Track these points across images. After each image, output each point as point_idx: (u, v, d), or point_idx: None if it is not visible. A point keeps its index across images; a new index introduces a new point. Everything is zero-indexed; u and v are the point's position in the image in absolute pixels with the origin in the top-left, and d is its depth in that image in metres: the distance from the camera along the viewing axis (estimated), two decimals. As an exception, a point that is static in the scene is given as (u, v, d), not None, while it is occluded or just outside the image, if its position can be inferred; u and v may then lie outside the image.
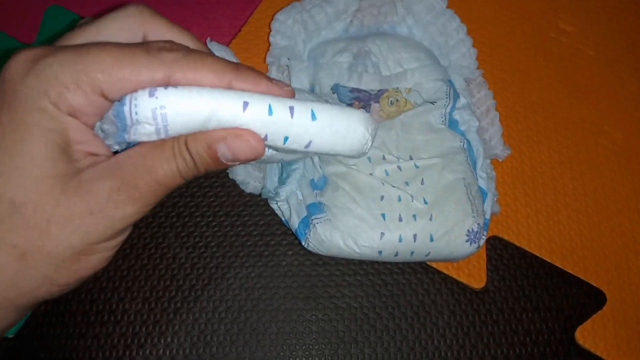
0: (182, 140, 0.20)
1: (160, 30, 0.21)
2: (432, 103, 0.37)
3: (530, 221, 0.40)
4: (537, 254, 0.39)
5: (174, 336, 0.34)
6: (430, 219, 0.32)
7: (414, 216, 0.32)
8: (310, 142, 0.22)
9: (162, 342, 0.34)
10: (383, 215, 0.32)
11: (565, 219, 0.40)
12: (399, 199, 0.33)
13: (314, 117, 0.21)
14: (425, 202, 0.33)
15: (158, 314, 0.35)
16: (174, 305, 0.35)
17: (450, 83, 0.38)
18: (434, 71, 0.38)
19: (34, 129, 0.18)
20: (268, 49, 0.40)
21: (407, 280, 0.37)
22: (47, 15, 0.42)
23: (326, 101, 0.34)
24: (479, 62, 0.41)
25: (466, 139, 0.36)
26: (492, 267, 0.38)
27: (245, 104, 0.20)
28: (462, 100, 0.38)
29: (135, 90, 0.19)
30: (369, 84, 0.37)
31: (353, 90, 0.37)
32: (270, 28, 0.40)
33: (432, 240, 0.32)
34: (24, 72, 0.18)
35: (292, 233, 0.37)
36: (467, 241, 0.33)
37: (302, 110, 0.21)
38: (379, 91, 0.37)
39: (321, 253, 0.33)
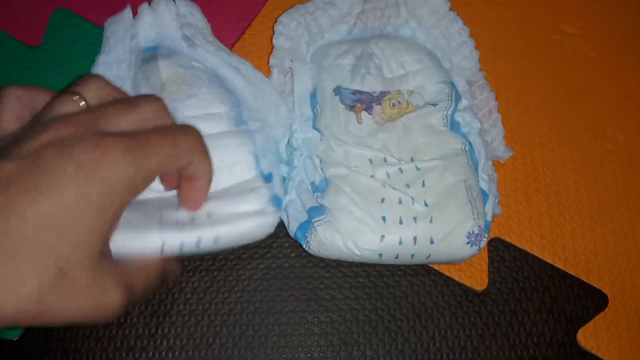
0: (158, 270, 0.28)
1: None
2: (433, 105, 0.37)
3: (533, 223, 0.40)
4: (539, 256, 0.39)
5: (176, 338, 0.35)
6: (431, 222, 0.33)
7: (415, 219, 0.33)
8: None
9: (165, 344, 0.34)
10: (383, 218, 0.32)
11: (567, 221, 0.40)
12: (400, 202, 0.33)
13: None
14: (426, 205, 0.33)
15: (161, 316, 0.35)
16: (177, 308, 0.35)
17: (452, 85, 0.38)
18: (436, 74, 0.38)
19: (104, 210, 0.22)
20: (271, 52, 0.40)
21: (409, 282, 0.37)
22: (54, 18, 0.43)
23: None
24: (481, 65, 0.41)
25: (468, 141, 0.36)
26: (494, 269, 0.38)
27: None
28: (464, 102, 0.38)
29: None
30: (371, 85, 0.37)
31: (355, 92, 0.37)
32: (273, 31, 0.40)
33: (432, 242, 0.32)
34: (118, 158, 0.23)
35: (295, 235, 0.37)
36: (467, 243, 0.33)
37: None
38: (381, 93, 0.38)
39: (322, 256, 0.33)
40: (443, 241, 0.33)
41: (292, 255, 0.37)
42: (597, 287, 0.38)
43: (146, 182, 0.24)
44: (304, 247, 0.33)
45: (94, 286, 0.22)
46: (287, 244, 0.37)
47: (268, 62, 0.40)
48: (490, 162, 0.38)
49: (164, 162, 0.25)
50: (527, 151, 0.42)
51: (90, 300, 0.22)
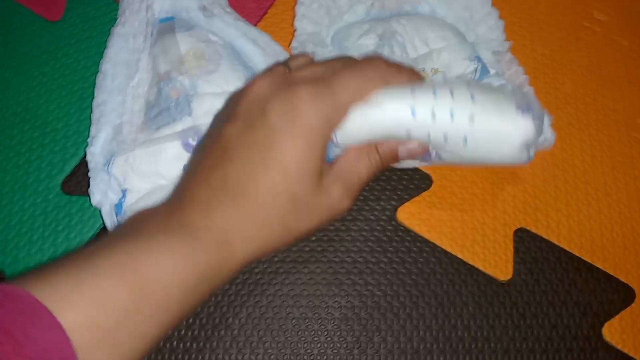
0: (373, 148, 0.29)
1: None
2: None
3: (560, 214, 0.39)
4: (566, 248, 0.38)
5: (195, 317, 0.34)
6: (469, 84, 0.29)
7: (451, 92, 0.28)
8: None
9: (184, 323, 0.34)
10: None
11: (595, 213, 0.39)
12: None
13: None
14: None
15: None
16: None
17: (478, 59, 0.37)
18: (461, 50, 0.37)
19: (313, 147, 0.26)
20: (293, 33, 0.39)
21: (432, 270, 0.36)
22: (74, -7, 0.42)
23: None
24: (510, 51, 0.40)
25: None
26: (519, 260, 0.37)
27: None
28: (491, 72, 0.37)
29: None
30: None
31: None
32: (294, 12, 0.39)
33: (472, 98, 0.28)
34: (307, 106, 0.26)
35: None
36: (517, 109, 0.28)
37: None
38: None
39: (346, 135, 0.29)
40: (488, 104, 0.28)
41: (313, 238, 0.36)
42: (624, 281, 0.37)
43: (342, 114, 0.27)
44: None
45: (321, 200, 0.27)
46: (308, 227, 0.37)
47: (289, 45, 0.39)
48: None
49: (354, 93, 0.27)
50: (556, 141, 0.40)
51: (323, 209, 0.27)
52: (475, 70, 0.36)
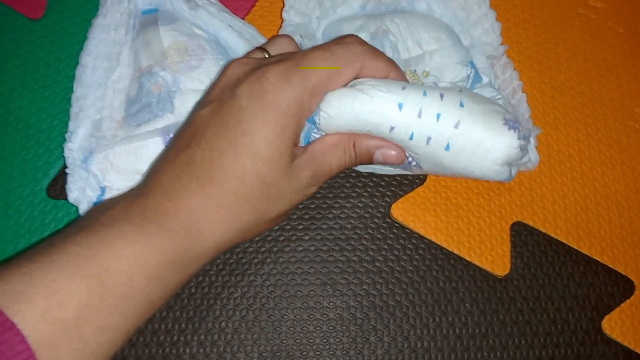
0: (351, 143, 0.28)
1: (372, 65, 0.29)
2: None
3: (557, 207, 0.38)
4: (564, 241, 0.37)
5: (187, 322, 0.33)
6: (461, 104, 0.28)
7: (441, 95, 0.28)
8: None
9: (177, 328, 0.33)
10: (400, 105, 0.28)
11: (593, 205, 0.38)
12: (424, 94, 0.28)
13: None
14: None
15: (171, 300, 0.34)
16: (189, 291, 0.34)
17: (472, 65, 0.36)
18: (454, 53, 0.36)
19: (284, 129, 0.26)
20: (281, 25, 0.38)
21: (428, 267, 0.35)
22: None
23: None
24: (504, 39, 0.39)
25: None
26: (516, 254, 0.36)
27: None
28: (484, 80, 0.36)
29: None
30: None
31: None
32: (283, 3, 0.38)
33: (462, 105, 0.27)
34: (275, 87, 0.25)
35: (309, 217, 0.36)
36: (505, 125, 0.27)
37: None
38: None
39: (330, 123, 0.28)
40: (473, 107, 0.27)
41: (306, 238, 0.36)
42: (623, 273, 0.37)
43: (314, 98, 0.27)
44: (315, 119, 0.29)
45: (290, 183, 0.27)
46: (301, 227, 0.36)
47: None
48: (530, 124, 0.35)
49: (325, 77, 0.27)
50: (551, 131, 0.40)
51: (292, 192, 0.27)
52: (468, 76, 0.35)
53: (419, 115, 0.27)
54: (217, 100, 0.26)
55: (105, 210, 0.24)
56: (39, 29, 0.40)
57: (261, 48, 0.30)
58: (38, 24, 0.40)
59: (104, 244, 0.22)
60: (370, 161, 0.29)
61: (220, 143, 0.25)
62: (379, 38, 0.36)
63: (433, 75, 0.35)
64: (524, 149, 0.28)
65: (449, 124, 0.27)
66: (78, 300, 0.21)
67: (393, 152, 0.28)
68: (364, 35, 0.36)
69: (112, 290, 0.22)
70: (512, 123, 0.28)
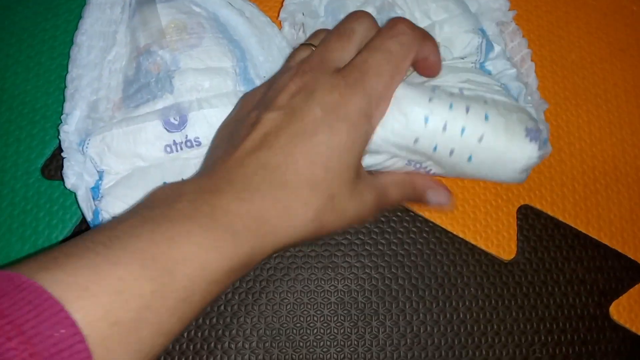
0: (411, 185, 0.30)
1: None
2: (461, 59, 0.34)
3: (566, 190, 0.37)
4: (572, 225, 0.36)
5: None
6: (486, 102, 0.28)
7: (467, 108, 0.28)
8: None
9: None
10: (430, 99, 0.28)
11: (603, 188, 0.37)
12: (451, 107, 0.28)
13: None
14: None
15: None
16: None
17: (482, 32, 0.35)
18: (463, 21, 0.35)
19: (354, 142, 0.26)
20: (282, 2, 0.37)
21: (432, 251, 0.35)
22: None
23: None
24: (515, 22, 0.38)
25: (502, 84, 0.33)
26: (522, 238, 0.35)
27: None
28: (496, 49, 0.35)
29: None
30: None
31: None
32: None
33: (486, 119, 0.28)
34: (352, 94, 0.26)
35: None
36: (526, 136, 0.28)
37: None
38: None
39: None
40: (497, 120, 0.28)
41: (308, 220, 0.35)
42: (632, 258, 0.36)
43: (380, 106, 0.27)
44: None
45: (354, 202, 0.27)
46: (302, 208, 0.35)
47: (277, 16, 0.37)
48: (537, 96, 0.34)
49: (389, 80, 0.27)
50: (561, 111, 0.39)
51: (353, 212, 0.27)
52: (480, 45, 0.34)
53: (444, 129, 0.27)
54: (289, 107, 0.26)
55: (172, 203, 0.23)
56: (33, 5, 0.39)
57: (308, 44, 0.30)
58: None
59: (171, 244, 0.22)
60: (423, 201, 0.31)
61: (295, 151, 0.25)
62: (385, 11, 0.35)
63: (444, 46, 0.34)
64: (543, 155, 0.29)
65: (473, 138, 0.27)
66: (141, 302, 0.20)
67: (444, 198, 0.30)
68: (370, 10, 0.35)
69: (174, 293, 0.21)
70: (533, 133, 0.28)
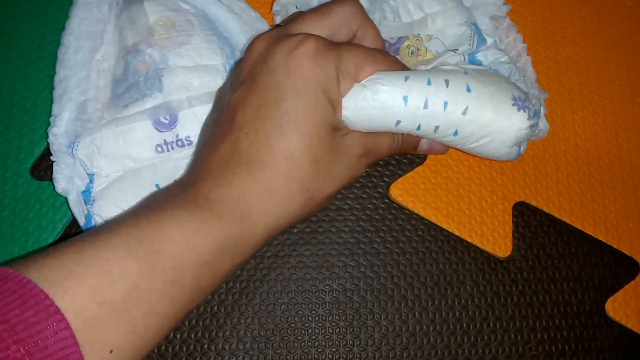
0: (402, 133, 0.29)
1: (367, 31, 0.28)
2: (454, 51, 0.33)
3: (561, 186, 0.37)
4: (568, 221, 0.36)
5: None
6: (466, 73, 0.28)
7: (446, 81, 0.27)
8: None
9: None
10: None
11: (598, 184, 0.37)
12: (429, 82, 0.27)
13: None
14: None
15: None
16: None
17: (474, 26, 0.35)
18: (457, 14, 0.34)
19: (325, 103, 0.25)
20: (273, -2, 0.36)
21: (427, 249, 0.34)
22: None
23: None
24: (509, 16, 0.37)
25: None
26: (518, 235, 0.35)
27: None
28: (488, 42, 0.34)
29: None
30: (388, 32, 0.34)
31: None
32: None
33: (469, 90, 0.27)
34: (313, 60, 0.24)
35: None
36: (514, 105, 0.27)
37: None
38: (399, 39, 0.34)
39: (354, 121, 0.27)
40: (483, 98, 0.27)
41: (302, 219, 0.34)
42: (628, 254, 0.36)
43: (349, 65, 0.26)
44: None
45: (341, 162, 0.26)
46: (296, 207, 0.35)
47: (270, 9, 0.37)
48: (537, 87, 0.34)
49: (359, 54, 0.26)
50: (556, 108, 0.39)
51: (342, 172, 0.26)
52: (471, 38, 0.34)
53: (425, 107, 0.26)
54: (250, 79, 0.25)
55: (156, 198, 0.24)
56: (22, 3, 0.38)
57: (279, 25, 0.29)
58: None
59: (155, 227, 0.22)
60: (415, 149, 0.30)
61: (264, 124, 0.24)
62: (378, 3, 0.35)
63: (436, 38, 0.34)
64: (534, 127, 0.27)
65: (457, 111, 0.26)
66: (129, 282, 0.21)
67: (437, 144, 0.29)
68: (362, 2, 0.35)
69: (162, 274, 0.21)
70: (521, 102, 0.27)
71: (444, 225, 0.35)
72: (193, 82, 0.32)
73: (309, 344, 0.32)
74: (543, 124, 0.33)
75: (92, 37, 0.34)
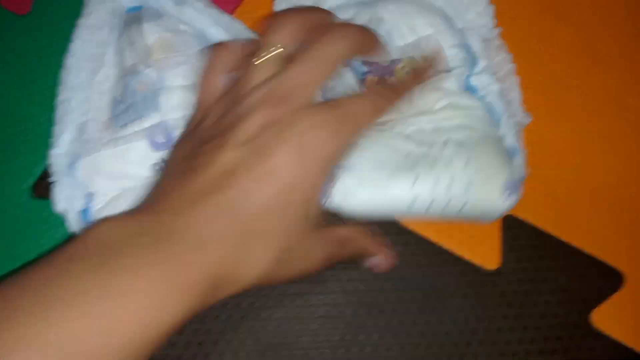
0: (364, 245, 0.32)
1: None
2: (447, 72, 0.35)
3: (549, 200, 0.38)
4: (555, 234, 0.37)
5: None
6: (464, 167, 0.31)
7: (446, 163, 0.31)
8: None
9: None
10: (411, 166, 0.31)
11: (585, 197, 0.38)
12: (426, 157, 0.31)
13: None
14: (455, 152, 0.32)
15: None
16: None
17: (467, 47, 0.36)
18: (449, 37, 0.35)
19: (318, 192, 0.26)
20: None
21: (417, 262, 0.35)
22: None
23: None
24: (498, 31, 0.38)
25: (486, 103, 0.34)
26: (506, 248, 0.36)
27: None
28: (481, 64, 0.36)
29: None
30: (382, 55, 0.35)
31: (365, 62, 0.35)
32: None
33: (467, 190, 0.31)
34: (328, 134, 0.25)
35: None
36: (505, 191, 0.31)
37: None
38: (392, 62, 0.35)
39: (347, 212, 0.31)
40: (480, 194, 0.31)
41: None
42: (613, 265, 0.36)
43: (347, 149, 0.27)
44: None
45: (306, 257, 0.26)
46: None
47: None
48: (517, 119, 0.36)
49: (367, 119, 0.27)
50: (544, 123, 0.39)
51: (302, 266, 0.26)
52: (464, 60, 0.35)
53: (427, 211, 0.31)
54: (254, 144, 0.24)
55: (118, 248, 0.21)
56: (26, 24, 0.39)
57: (268, 45, 0.27)
58: (25, 19, 0.39)
59: (110, 302, 0.20)
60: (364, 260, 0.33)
61: (258, 196, 0.23)
62: (373, 26, 0.36)
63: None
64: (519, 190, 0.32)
65: (456, 208, 0.31)
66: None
67: (383, 263, 0.33)
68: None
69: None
70: (511, 187, 0.31)
71: (435, 239, 0.36)
72: (190, 101, 0.33)
73: (302, 358, 0.33)
74: (518, 161, 0.34)
75: (94, 59, 0.35)
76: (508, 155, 0.33)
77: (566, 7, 0.43)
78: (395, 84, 0.30)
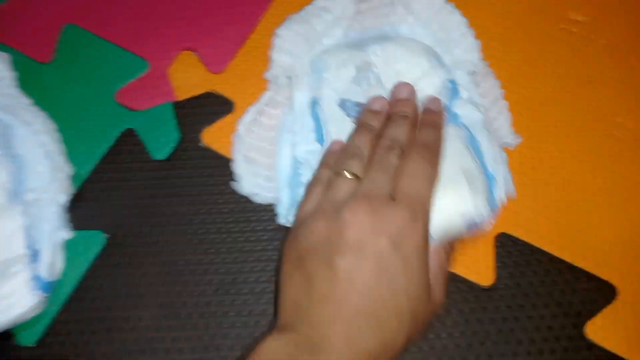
0: (446, 247, 0.33)
1: None
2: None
3: (540, 216, 0.39)
4: (547, 250, 0.38)
5: (185, 342, 0.36)
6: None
7: None
8: None
9: (175, 345, 0.36)
10: None
11: (576, 213, 0.39)
12: None
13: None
14: None
15: (171, 319, 0.36)
16: (186, 311, 0.36)
17: (452, 83, 0.38)
18: (434, 76, 0.38)
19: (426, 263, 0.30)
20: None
21: (414, 280, 0.37)
22: (64, 34, 0.44)
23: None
24: (487, 55, 0.41)
25: (469, 132, 0.36)
26: (501, 265, 0.38)
27: None
28: (463, 96, 0.38)
29: None
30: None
31: (359, 104, 0.37)
32: (272, 44, 0.40)
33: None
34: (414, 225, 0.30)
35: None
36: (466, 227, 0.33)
37: None
38: None
39: None
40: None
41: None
42: (605, 278, 0.38)
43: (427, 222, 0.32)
44: None
45: (431, 308, 0.31)
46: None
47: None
48: (498, 147, 0.37)
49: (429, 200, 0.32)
50: (534, 143, 0.41)
51: (431, 314, 0.31)
52: (448, 93, 0.37)
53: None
54: (364, 251, 0.28)
55: None
56: (49, 72, 0.42)
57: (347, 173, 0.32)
58: (48, 67, 0.42)
59: None
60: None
61: (384, 292, 0.28)
62: (363, 71, 0.38)
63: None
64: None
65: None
66: None
67: None
68: (350, 69, 0.38)
69: None
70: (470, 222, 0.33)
71: (430, 258, 0.38)
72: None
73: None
74: (510, 188, 0.37)
75: None
76: (481, 184, 0.34)
77: (553, 31, 0.45)
78: (426, 141, 0.33)
